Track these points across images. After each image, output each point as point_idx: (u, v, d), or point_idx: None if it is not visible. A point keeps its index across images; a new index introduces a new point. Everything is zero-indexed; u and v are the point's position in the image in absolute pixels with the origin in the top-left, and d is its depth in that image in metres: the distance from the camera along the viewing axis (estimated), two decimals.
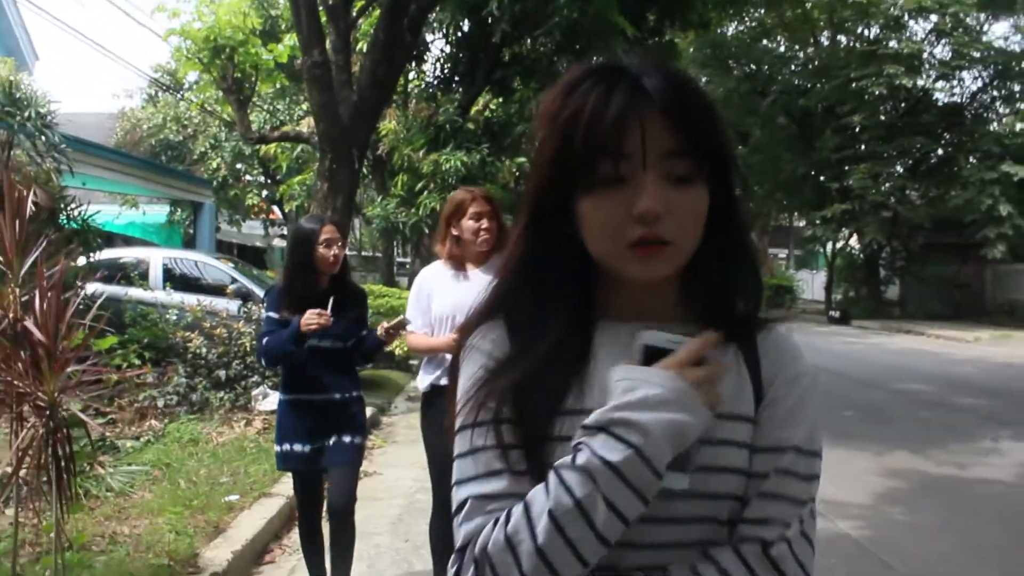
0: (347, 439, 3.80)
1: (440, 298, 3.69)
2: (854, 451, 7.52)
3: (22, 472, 3.49)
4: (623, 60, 1.06)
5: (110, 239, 13.59)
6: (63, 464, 3.35)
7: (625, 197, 0.98)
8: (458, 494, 1.03)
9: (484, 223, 3.63)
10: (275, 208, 27.11)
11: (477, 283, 3.52)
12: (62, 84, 69.44)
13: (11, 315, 3.29)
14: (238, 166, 24.18)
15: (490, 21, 14.58)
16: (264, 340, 3.75)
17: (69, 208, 9.51)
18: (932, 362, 15.57)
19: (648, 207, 0.96)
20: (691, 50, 24.77)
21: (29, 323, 3.24)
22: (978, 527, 5.56)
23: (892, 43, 25.15)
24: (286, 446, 3.79)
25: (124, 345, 8.35)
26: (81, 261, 8.48)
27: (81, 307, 4.15)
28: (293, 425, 3.79)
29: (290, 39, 12.66)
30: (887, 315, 27.17)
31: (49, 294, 3.32)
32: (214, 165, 23.24)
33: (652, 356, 0.97)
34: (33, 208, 8.60)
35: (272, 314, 3.78)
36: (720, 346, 1.03)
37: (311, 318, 3.56)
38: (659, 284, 1.05)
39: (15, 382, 3.27)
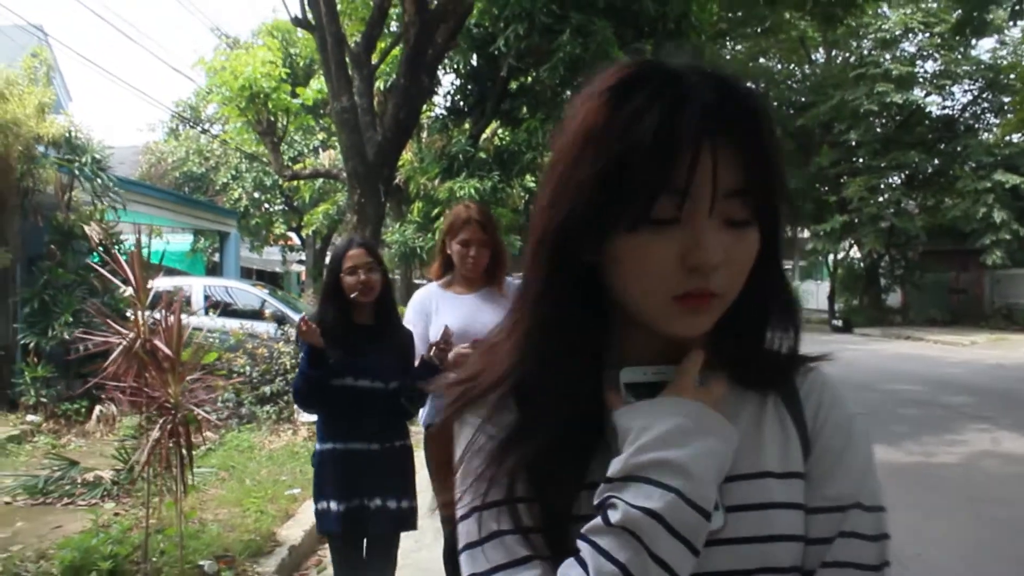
0: (392, 504, 3.30)
1: (437, 320, 3.51)
2: None
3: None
4: (676, 64, 0.86)
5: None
6: (183, 454, 4.27)
7: (677, 241, 0.82)
8: None
9: (472, 251, 3.50)
10: (292, 235, 28.21)
11: (472, 307, 3.56)
12: (89, 120, 71.56)
13: (142, 335, 4.21)
14: (256, 195, 25.25)
15: (497, 55, 15.59)
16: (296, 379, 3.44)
17: (120, 241, 10.54)
18: (926, 365, 16.39)
19: (709, 258, 0.82)
20: None
21: (158, 341, 4.16)
22: (931, 499, 6.45)
23: (886, 57, 26.15)
24: (323, 504, 3.33)
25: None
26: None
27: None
28: (329, 480, 3.33)
29: (315, 82, 13.76)
30: (888, 322, 27.98)
31: (171, 318, 4.25)
32: (236, 195, 24.33)
33: (639, 395, 0.89)
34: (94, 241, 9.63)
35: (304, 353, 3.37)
36: (753, 393, 0.95)
37: (298, 330, 3.28)
38: None
39: (146, 389, 4.20)
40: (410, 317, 3.67)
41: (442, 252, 3.70)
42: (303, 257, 29.58)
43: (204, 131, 25.19)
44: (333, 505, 3.28)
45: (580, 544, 0.82)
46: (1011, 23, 14.48)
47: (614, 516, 0.80)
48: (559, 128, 0.91)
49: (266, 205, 26.14)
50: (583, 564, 0.81)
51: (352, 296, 3.31)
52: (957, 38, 21.09)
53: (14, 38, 16.02)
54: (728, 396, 0.92)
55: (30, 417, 9.16)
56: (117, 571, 4.22)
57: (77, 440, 8.63)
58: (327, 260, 3.52)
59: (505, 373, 0.93)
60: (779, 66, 31.78)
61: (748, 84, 0.88)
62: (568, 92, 15.20)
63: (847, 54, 30.09)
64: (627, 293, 0.87)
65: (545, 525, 0.87)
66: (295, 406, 9.41)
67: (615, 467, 0.83)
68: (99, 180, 10.02)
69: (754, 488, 0.89)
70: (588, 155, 0.84)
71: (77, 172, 9.79)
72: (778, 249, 0.92)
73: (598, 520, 0.81)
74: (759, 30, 17.06)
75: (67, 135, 9.82)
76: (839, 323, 28.45)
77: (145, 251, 4.80)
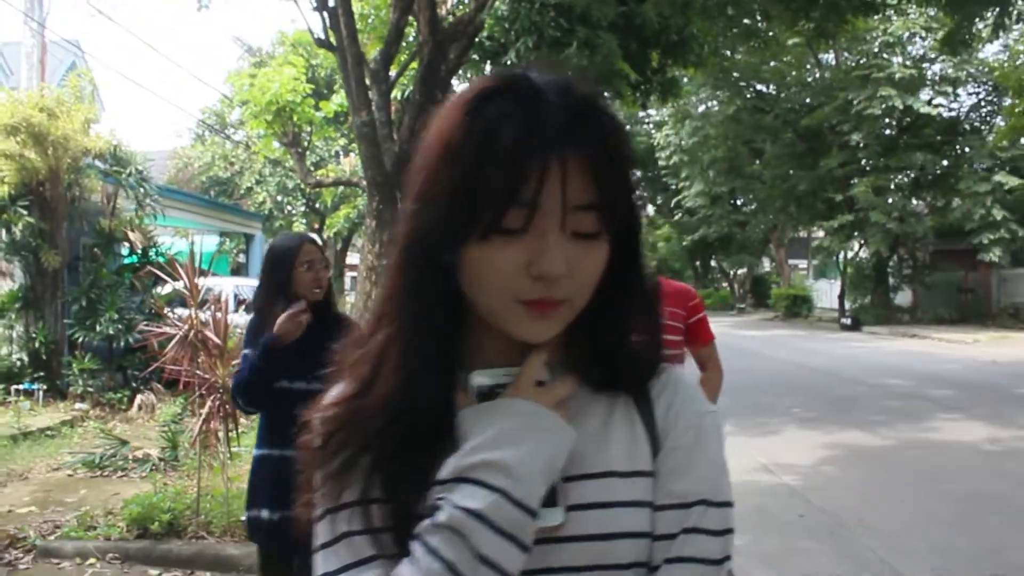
0: None
1: None
2: (815, 430, 9.17)
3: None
4: (538, 78, 0.88)
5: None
6: (229, 426, 5.10)
7: (523, 250, 0.84)
8: None
9: None
10: (314, 236, 29.20)
11: None
12: (121, 127, 73.17)
13: (195, 327, 5.05)
14: (280, 199, 26.21)
15: (509, 64, 16.40)
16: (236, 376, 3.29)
17: (156, 244, 11.46)
18: (922, 361, 16.99)
19: (552, 269, 0.83)
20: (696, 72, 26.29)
21: (208, 331, 4.99)
22: (890, 477, 7.19)
23: (895, 59, 26.74)
24: (253, 512, 3.20)
25: None
26: (168, 288, 10.39)
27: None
28: (262, 487, 3.18)
29: (337, 96, 14.69)
30: (897, 321, 28.51)
31: (219, 313, 5.09)
32: (260, 199, 25.31)
33: (490, 398, 0.90)
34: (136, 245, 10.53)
35: (247, 351, 3.24)
36: (605, 395, 0.96)
37: (284, 322, 3.05)
38: None
39: (198, 371, 5.03)
40: None
41: None
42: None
43: (227, 138, 26.19)
44: (265, 513, 3.14)
45: (413, 543, 0.83)
46: (994, 37, 14.95)
47: (441, 516, 0.82)
48: (423, 135, 0.92)
49: (289, 208, 27.10)
50: (413, 562, 0.83)
51: (304, 293, 3.18)
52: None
53: (53, 53, 16.99)
54: (579, 397, 0.94)
55: (78, 405, 10.08)
56: (175, 522, 5.07)
57: (121, 425, 9.51)
58: (270, 256, 3.34)
59: (394, 390, 0.90)
60: (792, 69, 32.32)
61: (605, 101, 0.91)
62: None
63: (856, 56, 30.60)
64: (477, 297, 0.88)
65: (394, 525, 0.88)
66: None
67: (446, 469, 0.85)
68: (142, 189, 10.95)
69: (597, 487, 0.91)
70: (444, 165, 0.86)
71: (123, 183, 10.72)
72: (637, 258, 0.95)
73: (429, 520, 0.83)
74: (755, 44, 17.77)
75: (113, 148, 10.74)
76: (848, 321, 29.00)
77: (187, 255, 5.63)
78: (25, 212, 10.16)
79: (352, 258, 28.03)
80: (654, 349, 0.99)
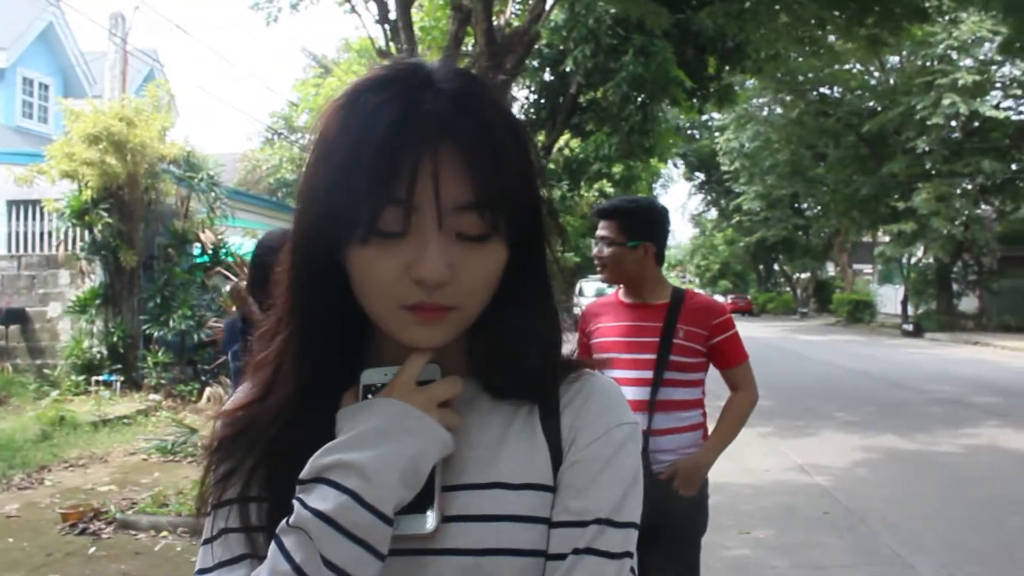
0: None
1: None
2: (852, 434, 9.37)
3: None
4: (426, 69, 0.83)
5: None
6: None
7: (405, 253, 0.80)
8: None
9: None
10: None
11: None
12: (193, 130, 75.63)
13: None
14: None
15: (567, 72, 16.81)
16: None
17: (227, 245, 12.12)
18: (978, 369, 16.91)
19: (430, 274, 0.79)
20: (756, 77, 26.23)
21: None
22: (921, 481, 7.37)
23: (963, 63, 26.35)
24: None
25: None
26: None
27: None
28: None
29: None
30: (961, 328, 28.11)
31: None
32: None
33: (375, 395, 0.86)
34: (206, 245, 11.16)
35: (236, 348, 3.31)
36: (508, 403, 0.91)
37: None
38: None
39: None
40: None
41: None
42: None
43: (294, 143, 27.05)
44: None
45: (272, 543, 0.80)
46: None
47: (293, 517, 0.79)
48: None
49: None
50: (268, 563, 0.80)
51: None
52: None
53: (132, 64, 17.87)
54: (479, 406, 0.91)
55: (152, 396, 10.76)
56: None
57: (191, 415, 10.11)
58: (255, 252, 3.25)
59: (288, 396, 0.88)
60: (855, 73, 32.02)
61: (493, 94, 0.86)
62: (630, 107, 16.36)
63: (923, 59, 30.15)
64: (364, 302, 0.84)
65: (270, 524, 0.84)
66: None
67: (307, 467, 0.81)
68: (212, 193, 11.63)
69: (483, 498, 0.86)
70: (321, 162, 0.83)
71: (195, 187, 11.41)
72: (539, 262, 0.91)
73: (285, 520, 0.80)
74: (812, 50, 17.83)
75: (186, 154, 11.43)
76: (910, 328, 28.73)
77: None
78: (106, 214, 10.90)
79: None
80: (556, 355, 0.95)
